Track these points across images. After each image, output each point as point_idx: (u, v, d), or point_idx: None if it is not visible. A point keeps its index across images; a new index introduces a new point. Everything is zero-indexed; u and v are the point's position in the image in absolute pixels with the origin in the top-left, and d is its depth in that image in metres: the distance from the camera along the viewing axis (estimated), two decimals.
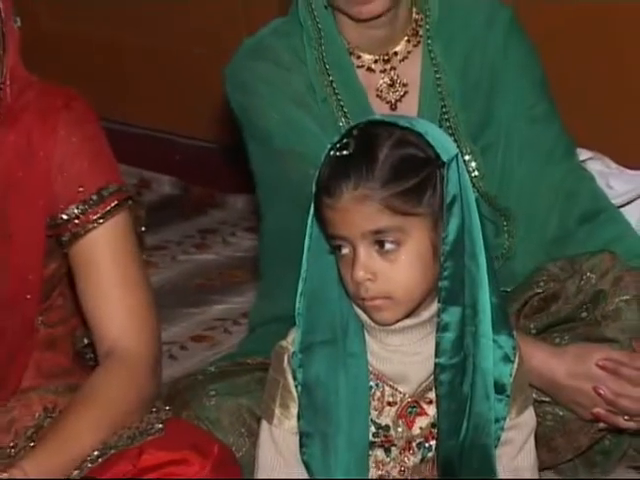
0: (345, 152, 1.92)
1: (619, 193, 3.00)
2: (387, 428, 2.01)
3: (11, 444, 2.19)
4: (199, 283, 3.37)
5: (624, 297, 2.37)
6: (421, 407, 2.01)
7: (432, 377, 1.98)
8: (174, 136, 4.02)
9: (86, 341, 2.30)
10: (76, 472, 2.07)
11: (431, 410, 2.00)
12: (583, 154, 2.80)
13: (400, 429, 2.01)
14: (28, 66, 2.17)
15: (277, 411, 2.01)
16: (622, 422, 2.33)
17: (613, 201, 2.72)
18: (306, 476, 2.00)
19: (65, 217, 2.18)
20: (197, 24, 3.94)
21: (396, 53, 2.47)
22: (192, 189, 3.86)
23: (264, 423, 2.04)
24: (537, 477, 2.08)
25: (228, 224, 3.69)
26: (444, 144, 1.95)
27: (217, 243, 3.59)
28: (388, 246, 1.91)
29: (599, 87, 3.32)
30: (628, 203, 3.08)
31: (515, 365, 2.00)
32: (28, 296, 2.18)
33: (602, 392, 2.29)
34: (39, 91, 2.18)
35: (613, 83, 3.37)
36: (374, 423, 2.00)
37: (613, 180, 3.12)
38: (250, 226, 3.57)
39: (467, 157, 2.43)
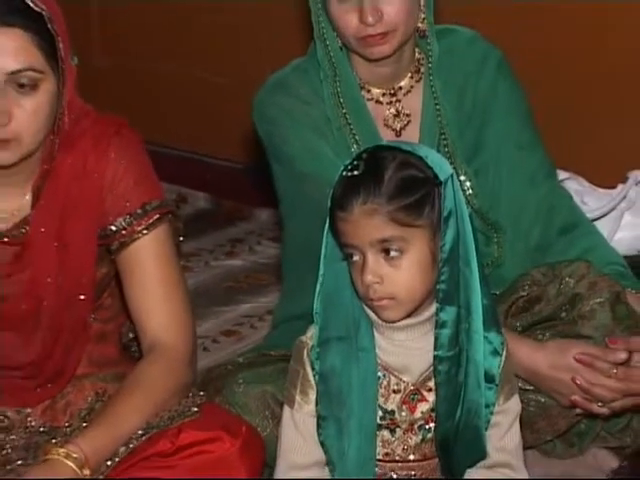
0: (356, 172, 1.93)
1: (592, 209, 3.01)
2: (392, 412, 2.01)
3: (67, 424, 2.20)
4: (228, 285, 3.36)
5: (598, 300, 2.36)
6: (422, 394, 2.01)
7: (431, 368, 1.98)
8: (208, 158, 4.02)
9: (131, 335, 2.31)
10: (123, 448, 2.07)
11: (430, 397, 2.01)
12: (561, 175, 2.81)
13: (404, 413, 2.01)
14: (83, 97, 2.17)
15: (297, 397, 2.01)
16: (596, 408, 2.32)
17: (587, 215, 2.71)
18: (322, 454, 2.01)
19: (114, 228, 2.19)
20: (228, 58, 3.94)
21: (401, 87, 2.46)
22: (223, 204, 3.86)
23: (286, 407, 2.04)
24: (521, 455, 2.07)
25: (254, 234, 3.67)
26: (441, 166, 1.96)
27: (244, 251, 3.58)
28: (393, 253, 1.92)
29: (576, 119, 3.31)
30: (600, 217, 3.09)
31: (503, 358, 2.01)
32: (82, 297, 2.19)
33: (579, 382, 2.29)
34: (93, 120, 2.19)
35: (587, 116, 3.36)
36: (381, 408, 2.00)
37: (587, 197, 3.12)
38: (273, 236, 3.56)
39: (462, 177, 2.43)
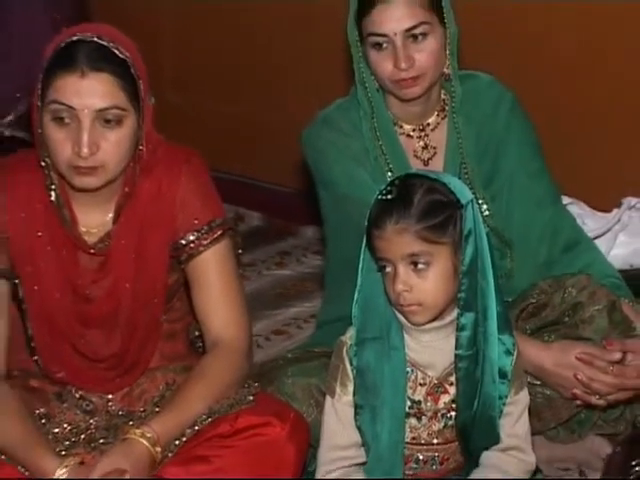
0: (389, 196, 1.94)
1: (591, 229, 2.99)
2: (419, 402, 2.01)
3: (141, 409, 2.20)
4: (278, 292, 3.36)
5: (597, 307, 2.36)
6: (444, 387, 2.01)
7: (453, 365, 1.98)
8: (262, 182, 4.02)
9: (197, 333, 2.30)
10: (189, 430, 2.09)
11: (452, 389, 2.00)
12: (565, 200, 2.79)
13: (429, 403, 2.01)
14: (156, 129, 2.18)
15: (337, 388, 2.01)
16: (594, 400, 2.31)
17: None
18: (358, 437, 2.00)
19: (183, 242, 2.19)
20: (280, 97, 3.95)
21: (429, 124, 2.46)
22: (274, 222, 3.85)
23: (328, 397, 2.04)
24: (530, 439, 2.07)
25: (300, 248, 3.66)
26: (463, 192, 1.96)
27: (292, 262, 3.57)
28: (420, 266, 1.92)
29: (577, 153, 3.30)
30: (598, 237, 3.08)
31: (514, 357, 2.01)
32: (155, 300, 2.20)
33: (579, 377, 2.28)
34: (166, 149, 2.20)
35: (587, 150, 3.34)
36: (409, 399, 2.00)
37: (587, 219, 3.10)
38: (317, 250, 3.55)
39: (480, 201, 2.41)
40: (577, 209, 3.08)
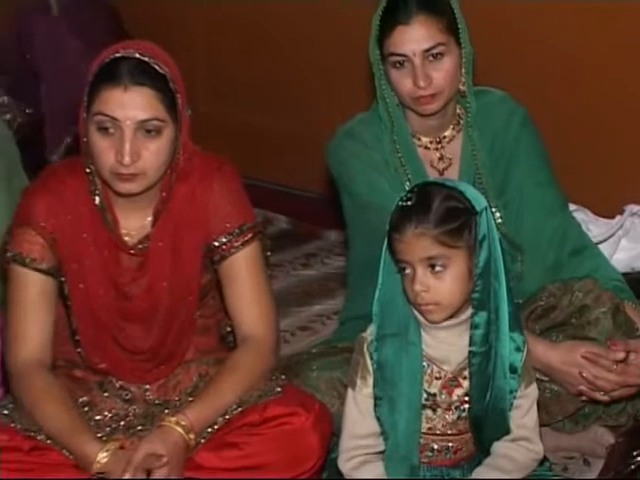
0: (409, 203, 1.93)
1: (595, 235, 2.98)
2: (434, 395, 2.00)
3: (176, 399, 2.20)
4: (304, 290, 3.35)
5: (602, 310, 2.34)
6: (458, 381, 2.00)
7: (466, 360, 1.97)
8: (289, 189, 4.03)
9: (228, 329, 2.30)
10: (220, 419, 2.09)
11: (465, 383, 1.99)
12: (571, 207, 2.78)
13: (443, 396, 2.00)
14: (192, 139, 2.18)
15: (358, 381, 2.00)
16: (598, 396, 2.30)
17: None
18: (377, 427, 1.99)
19: (216, 244, 2.19)
20: (306, 110, 3.95)
21: (445, 137, 2.45)
22: (300, 225, 3.83)
23: (349, 389, 2.03)
24: (538, 431, 2.05)
25: (325, 250, 3.65)
26: (477, 199, 1.95)
27: (317, 263, 3.56)
28: (437, 268, 1.91)
29: (583, 163, 3.29)
30: (602, 242, 3.07)
31: (524, 354, 1.99)
32: (190, 297, 2.20)
33: (585, 375, 2.26)
34: (201, 158, 2.20)
35: (592, 160, 3.33)
36: (425, 391, 1.99)
37: (591, 225, 3.10)
38: (340, 252, 3.53)
39: (494, 209, 2.40)
40: (582, 216, 3.07)
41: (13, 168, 2.53)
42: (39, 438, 2.06)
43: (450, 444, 2.03)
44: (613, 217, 3.23)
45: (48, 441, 2.06)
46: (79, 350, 2.19)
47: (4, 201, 2.46)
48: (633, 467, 2.17)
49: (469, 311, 1.96)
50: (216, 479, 2.06)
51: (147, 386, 2.20)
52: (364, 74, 2.62)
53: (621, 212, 3.23)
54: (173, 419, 2.05)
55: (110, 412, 2.18)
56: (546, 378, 2.31)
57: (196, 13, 4.22)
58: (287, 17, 3.93)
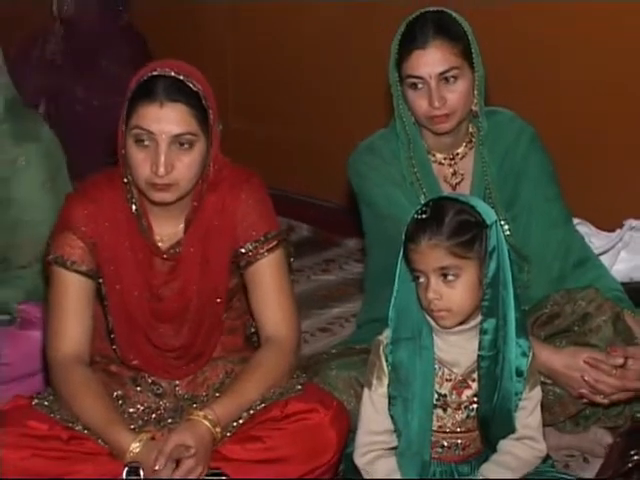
0: (424, 216, 1.93)
1: (596, 247, 2.97)
2: (445, 396, 1.99)
3: (204, 394, 2.20)
4: (324, 294, 3.33)
5: (603, 318, 2.34)
6: (467, 383, 1.99)
7: (476, 364, 1.97)
8: (311, 199, 4.02)
9: (253, 330, 2.29)
10: (245, 414, 2.09)
11: (474, 385, 1.99)
12: (575, 220, 2.76)
13: (453, 397, 1.99)
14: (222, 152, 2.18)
15: (374, 382, 2.00)
16: (598, 399, 2.29)
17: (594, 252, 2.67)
18: (391, 424, 1.98)
19: (243, 250, 2.19)
20: (328, 126, 3.95)
21: (458, 153, 2.44)
22: (321, 233, 3.82)
23: (365, 389, 2.03)
24: (541, 430, 2.04)
25: (343, 257, 3.64)
26: (488, 213, 1.95)
27: (336, 269, 3.55)
28: (450, 277, 1.91)
29: (585, 178, 3.27)
30: (603, 253, 3.06)
31: (530, 358, 1.98)
32: (218, 300, 2.19)
33: (586, 379, 2.25)
34: (230, 170, 2.20)
35: (594, 178, 3.31)
36: (437, 392, 1.99)
37: (593, 238, 3.09)
38: (358, 258, 3.52)
39: (502, 222, 2.38)
40: (585, 229, 3.06)
41: (58, 170, 2.54)
42: (77, 428, 2.07)
43: (459, 441, 2.03)
44: (613, 230, 3.22)
45: (85, 431, 2.06)
46: (114, 347, 2.19)
47: (50, 200, 2.47)
48: (630, 465, 2.16)
49: (478, 317, 1.95)
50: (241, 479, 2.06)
51: (177, 382, 2.20)
52: (383, 93, 2.61)
53: (621, 226, 3.22)
54: (201, 413, 2.05)
55: (142, 405, 2.18)
56: (550, 381, 2.30)
57: (227, 36, 4.23)
58: (311, 40, 3.94)
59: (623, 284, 2.60)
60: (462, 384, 1.99)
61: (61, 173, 2.55)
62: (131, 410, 2.17)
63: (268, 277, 2.20)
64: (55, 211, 2.35)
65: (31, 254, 2.44)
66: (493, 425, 2.00)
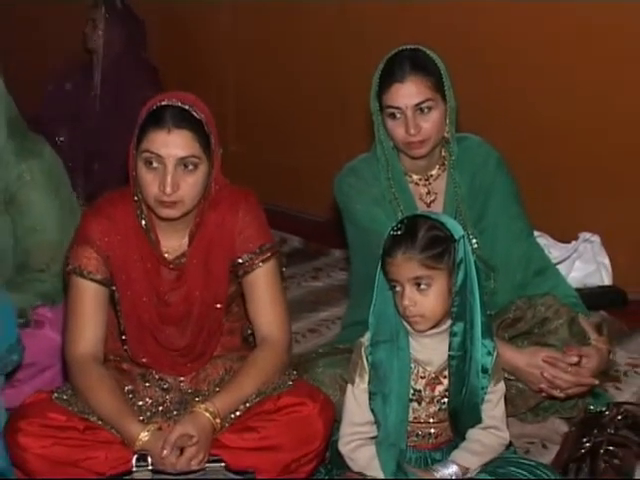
0: (399, 232, 1.93)
1: (554, 257, 2.99)
2: (420, 391, 1.99)
3: (206, 389, 2.20)
4: (312, 299, 3.32)
5: (560, 321, 2.35)
6: (439, 379, 1.99)
7: (446, 362, 1.97)
8: (301, 214, 4.03)
9: (249, 331, 2.28)
10: (242, 406, 2.08)
11: (445, 381, 1.99)
12: (535, 233, 2.77)
13: (427, 392, 1.99)
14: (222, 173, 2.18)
15: (356, 379, 2.00)
16: (556, 393, 2.30)
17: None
18: (371, 416, 1.98)
19: (240, 261, 2.19)
20: (316, 151, 3.95)
21: (432, 175, 2.45)
22: (310, 245, 3.81)
23: (348, 385, 2.03)
24: (505, 420, 2.04)
25: (330, 265, 3.62)
26: (456, 229, 1.95)
27: (323, 276, 3.53)
28: (423, 287, 1.91)
29: (545, 197, 3.28)
30: (560, 262, 3.08)
31: (494, 357, 1.98)
32: (218, 305, 2.19)
33: (545, 375, 2.27)
34: (229, 189, 2.20)
35: (553, 196, 3.33)
36: (412, 388, 1.99)
37: (551, 249, 3.11)
38: (343, 267, 3.51)
39: (471, 236, 2.39)
40: (544, 241, 3.08)
41: (60, 183, 2.52)
42: (92, 419, 2.06)
43: (432, 431, 2.02)
44: (569, 242, 3.24)
45: (99, 422, 2.06)
46: (125, 347, 2.19)
47: (56, 210, 2.46)
48: (583, 451, 2.17)
49: (448, 322, 1.95)
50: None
51: (181, 378, 2.20)
52: (364, 122, 2.62)
53: (576, 238, 3.25)
54: (203, 406, 2.05)
55: (150, 399, 2.17)
56: (513, 377, 2.31)
57: (229, 72, 4.24)
58: (300, 77, 3.95)
59: (578, 290, 2.62)
60: (435, 380, 1.99)
61: (63, 185, 2.54)
62: (140, 403, 2.16)
63: (263, 285, 2.19)
64: (61, 219, 2.41)
65: (45, 258, 2.43)
66: (462, 416, 2.00)
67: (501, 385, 2.03)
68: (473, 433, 2.02)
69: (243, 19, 4.14)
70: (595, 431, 2.19)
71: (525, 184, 2.59)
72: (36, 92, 3.91)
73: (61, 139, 3.87)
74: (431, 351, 1.97)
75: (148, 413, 2.14)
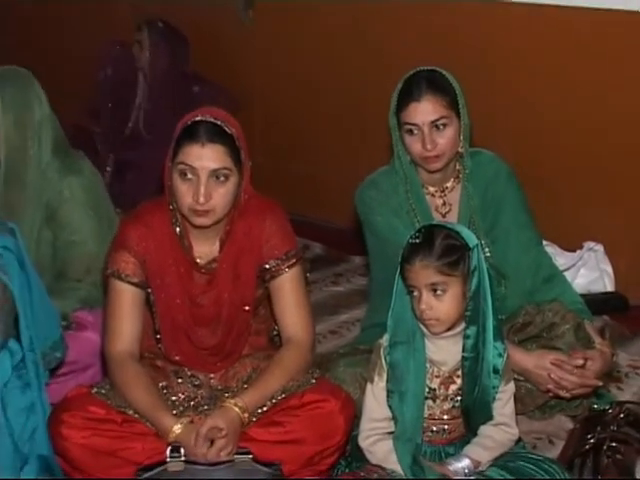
0: (417, 240, 1.93)
1: (561, 264, 2.97)
2: (434, 389, 1.99)
3: (234, 385, 2.20)
4: (333, 303, 3.30)
5: (567, 326, 2.34)
6: (453, 379, 1.99)
7: (460, 363, 1.97)
8: (323, 222, 4.01)
9: (275, 332, 2.28)
10: (268, 402, 2.09)
11: (459, 380, 1.99)
12: (544, 242, 2.76)
13: (442, 390, 1.99)
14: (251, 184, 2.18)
15: (375, 377, 2.00)
16: (562, 393, 2.30)
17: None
18: (389, 413, 1.97)
19: (267, 267, 2.19)
20: (338, 164, 3.95)
21: (447, 187, 2.44)
22: (331, 251, 3.79)
23: (368, 383, 2.03)
24: (514, 418, 2.04)
25: (350, 271, 3.60)
26: (470, 238, 1.95)
27: (344, 282, 3.51)
28: (439, 292, 1.91)
29: (553, 208, 3.26)
30: (566, 270, 3.06)
31: (505, 359, 1.98)
32: (246, 308, 2.19)
33: (552, 376, 2.26)
34: (257, 200, 2.20)
35: (560, 207, 3.30)
36: (427, 386, 1.99)
37: (558, 257, 3.09)
38: (362, 273, 3.49)
39: (483, 245, 2.36)
40: (552, 249, 3.06)
41: (99, 198, 2.53)
42: (129, 413, 2.07)
43: (446, 427, 2.02)
44: (575, 251, 3.22)
45: (136, 415, 2.07)
46: (160, 345, 2.20)
47: (93, 224, 2.47)
48: (587, 447, 2.16)
49: (462, 325, 1.95)
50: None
51: (212, 375, 2.20)
52: (385, 136, 2.62)
53: (581, 247, 3.23)
54: (232, 401, 2.05)
55: (183, 394, 2.18)
56: (522, 378, 2.30)
57: (255, 85, 4.25)
58: (325, 93, 3.95)
59: (582, 295, 2.60)
60: (449, 380, 1.99)
61: (102, 199, 2.55)
62: (173, 398, 2.17)
63: (288, 289, 2.20)
64: (98, 232, 2.41)
65: (82, 268, 2.45)
66: (474, 413, 1.99)
67: (511, 385, 2.02)
68: (484, 429, 2.02)
69: (270, 42, 4.16)
70: (598, 428, 2.18)
71: (534, 196, 2.58)
72: (77, 104, 3.95)
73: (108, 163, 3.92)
74: (445, 352, 1.97)
75: (181, 407, 2.15)
